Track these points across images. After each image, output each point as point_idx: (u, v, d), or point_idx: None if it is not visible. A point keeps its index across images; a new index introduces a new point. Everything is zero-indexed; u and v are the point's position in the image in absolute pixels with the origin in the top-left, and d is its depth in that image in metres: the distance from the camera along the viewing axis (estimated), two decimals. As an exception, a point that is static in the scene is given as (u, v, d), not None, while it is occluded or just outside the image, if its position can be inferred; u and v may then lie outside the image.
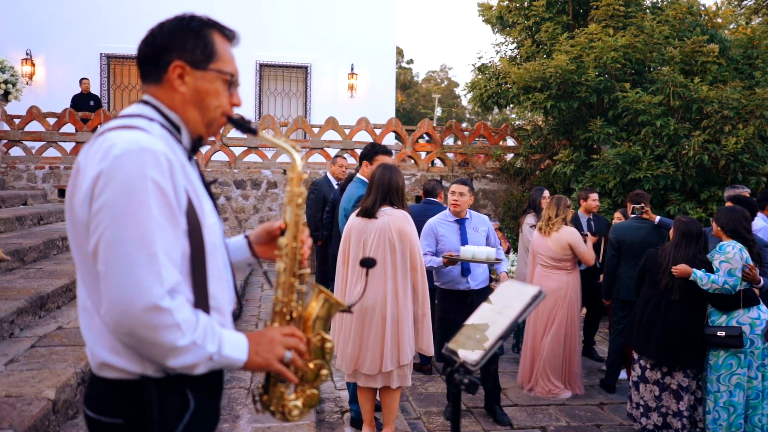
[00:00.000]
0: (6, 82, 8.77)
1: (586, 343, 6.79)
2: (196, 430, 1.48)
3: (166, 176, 1.35)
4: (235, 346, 1.44)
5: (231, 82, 1.54)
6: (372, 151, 4.60)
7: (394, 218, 3.94)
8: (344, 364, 4.11)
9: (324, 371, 1.63)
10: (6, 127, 9.74)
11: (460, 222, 4.93)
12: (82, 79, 12.06)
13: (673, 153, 7.76)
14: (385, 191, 3.97)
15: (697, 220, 4.63)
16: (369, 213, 3.98)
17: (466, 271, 4.82)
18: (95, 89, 12.89)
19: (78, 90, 12.00)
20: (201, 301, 1.43)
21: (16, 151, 10.14)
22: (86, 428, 1.52)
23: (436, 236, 4.87)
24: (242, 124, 1.58)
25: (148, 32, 1.51)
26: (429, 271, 4.69)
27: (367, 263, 1.80)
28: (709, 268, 4.31)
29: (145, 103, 1.51)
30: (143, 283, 1.30)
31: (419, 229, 5.18)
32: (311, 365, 1.61)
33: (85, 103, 11.59)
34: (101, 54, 13.30)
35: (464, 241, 4.84)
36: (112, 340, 1.39)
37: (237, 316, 1.64)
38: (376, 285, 3.94)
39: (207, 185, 1.59)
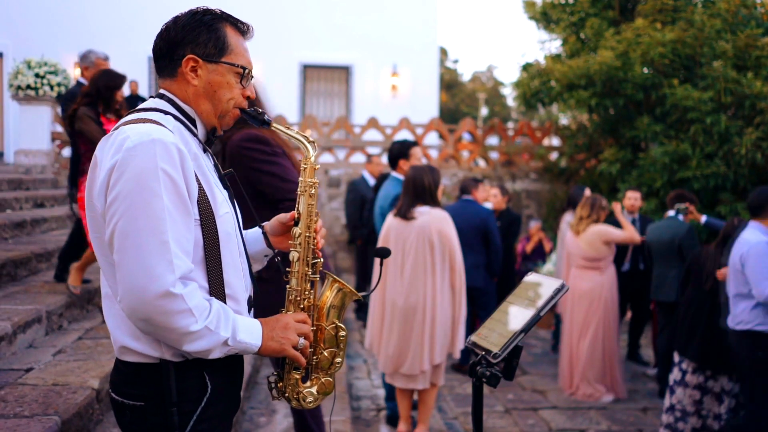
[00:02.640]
0: (59, 84, 9.11)
1: (631, 347, 6.63)
2: (214, 413, 1.51)
3: (177, 167, 1.38)
4: (249, 332, 1.48)
5: (243, 74, 1.56)
6: (404, 147, 4.61)
7: (433, 219, 3.96)
8: (386, 365, 4.12)
9: (338, 359, 1.67)
10: (59, 129, 10.11)
11: None
12: (131, 81, 12.42)
13: (725, 151, 7.47)
14: (414, 192, 3.99)
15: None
16: (403, 215, 4.01)
17: None
18: (143, 91, 13.27)
19: (127, 92, 12.38)
20: (216, 289, 1.47)
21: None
22: (112, 408, 1.57)
23: None
24: (255, 116, 1.61)
25: (163, 27, 1.54)
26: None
27: (382, 253, 1.80)
28: None
29: (161, 96, 1.55)
30: (155, 271, 1.33)
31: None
32: (326, 353, 1.65)
33: (133, 105, 11.68)
34: (149, 57, 13.67)
35: None
36: (131, 325, 1.44)
37: (254, 303, 1.68)
38: (417, 286, 3.96)
39: (222, 176, 1.61)
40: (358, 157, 10.96)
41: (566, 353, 5.51)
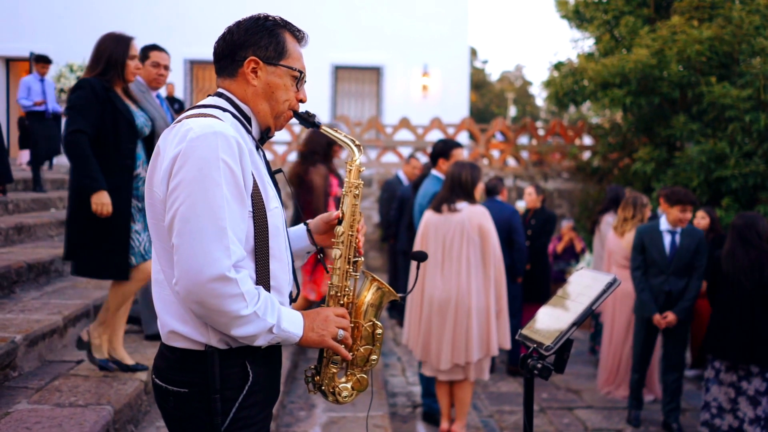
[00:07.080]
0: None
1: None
2: (255, 401, 1.56)
3: (236, 158, 1.45)
4: (292, 322, 1.54)
5: (299, 78, 1.64)
6: (446, 147, 4.64)
7: (473, 214, 4.02)
8: (424, 357, 4.16)
9: (374, 356, 1.72)
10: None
11: None
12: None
13: (764, 149, 7.35)
14: (451, 187, 4.05)
15: (756, 214, 4.38)
16: (436, 209, 4.07)
17: None
18: (179, 93, 13.52)
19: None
20: (262, 279, 1.53)
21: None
22: (154, 394, 1.62)
23: None
24: (306, 118, 1.69)
25: (226, 30, 1.64)
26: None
27: (419, 257, 1.85)
28: None
29: (220, 95, 1.63)
30: (212, 255, 1.40)
31: None
32: (362, 350, 1.70)
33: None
34: (185, 60, 13.94)
35: None
36: (180, 309, 1.51)
37: (294, 299, 1.74)
38: (456, 280, 4.00)
39: (272, 173, 1.69)
40: (390, 157, 11.02)
41: (608, 353, 5.44)
